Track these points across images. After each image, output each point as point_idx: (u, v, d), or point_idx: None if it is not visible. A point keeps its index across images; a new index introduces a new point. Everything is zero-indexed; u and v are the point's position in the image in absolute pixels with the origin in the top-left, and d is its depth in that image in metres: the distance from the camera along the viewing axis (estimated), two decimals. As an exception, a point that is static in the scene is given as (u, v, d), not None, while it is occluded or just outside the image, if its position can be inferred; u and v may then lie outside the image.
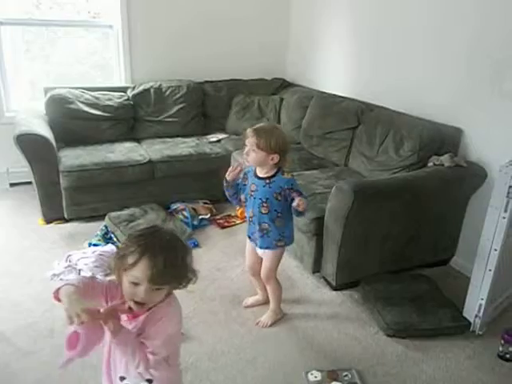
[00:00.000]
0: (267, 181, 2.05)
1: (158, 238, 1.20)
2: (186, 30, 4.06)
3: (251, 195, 2.10)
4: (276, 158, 2.00)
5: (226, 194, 2.19)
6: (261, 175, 2.07)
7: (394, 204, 2.45)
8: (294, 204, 1.96)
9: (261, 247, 2.20)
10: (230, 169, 2.12)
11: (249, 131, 2.03)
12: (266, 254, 2.19)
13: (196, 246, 3.00)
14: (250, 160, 2.04)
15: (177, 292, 1.28)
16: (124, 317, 1.23)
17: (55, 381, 1.89)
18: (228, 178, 2.11)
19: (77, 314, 1.04)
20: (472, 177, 2.62)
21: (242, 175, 2.17)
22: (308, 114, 3.67)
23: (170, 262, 1.15)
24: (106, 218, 3.08)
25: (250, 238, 2.23)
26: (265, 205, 2.06)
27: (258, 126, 2.07)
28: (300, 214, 2.03)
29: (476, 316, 2.20)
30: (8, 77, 3.72)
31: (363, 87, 3.53)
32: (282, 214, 2.08)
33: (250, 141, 2.01)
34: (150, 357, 1.19)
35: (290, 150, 2.10)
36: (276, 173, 2.05)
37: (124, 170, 3.25)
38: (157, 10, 3.93)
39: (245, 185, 2.15)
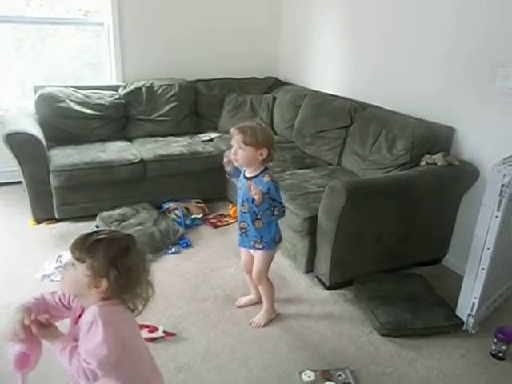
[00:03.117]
0: (248, 182, 2.03)
1: (118, 232, 1.24)
2: (178, 28, 4.04)
3: (238, 193, 2.12)
4: (265, 152, 1.98)
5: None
6: (247, 175, 2.07)
7: (387, 203, 2.44)
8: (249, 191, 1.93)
9: (239, 245, 2.22)
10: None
11: (233, 130, 2.01)
12: (256, 255, 2.18)
13: (188, 245, 2.98)
14: (238, 159, 2.01)
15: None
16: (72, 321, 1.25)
17: (44, 382, 1.86)
18: (229, 172, 2.15)
19: (14, 333, 1.17)
20: (464, 176, 2.63)
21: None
22: (301, 113, 3.66)
23: (100, 239, 1.16)
24: (98, 217, 3.06)
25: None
26: (245, 204, 2.07)
27: (240, 124, 2.04)
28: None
29: (469, 315, 2.21)
30: (-3, 75, 3.69)
31: (356, 86, 3.53)
32: (261, 217, 2.06)
33: (236, 138, 1.98)
34: (84, 365, 1.12)
35: (275, 145, 2.06)
36: (259, 174, 2.02)
37: (115, 170, 3.22)
38: (149, 7, 3.90)
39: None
